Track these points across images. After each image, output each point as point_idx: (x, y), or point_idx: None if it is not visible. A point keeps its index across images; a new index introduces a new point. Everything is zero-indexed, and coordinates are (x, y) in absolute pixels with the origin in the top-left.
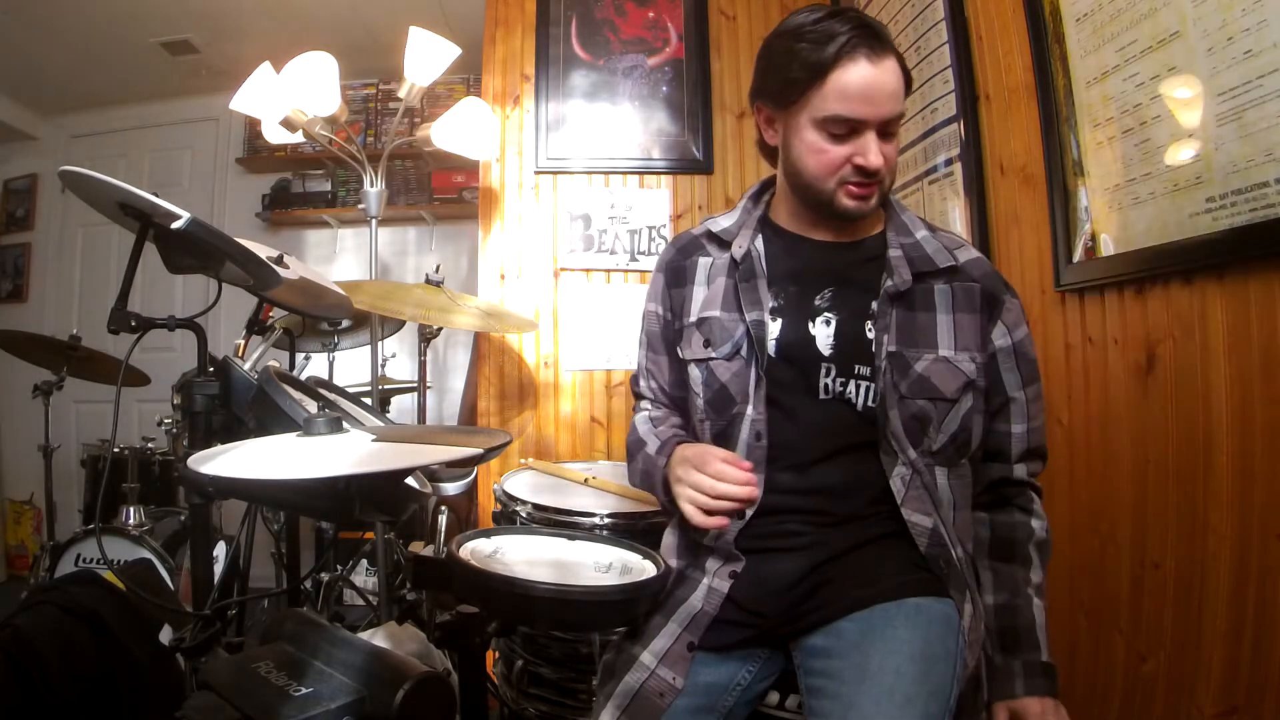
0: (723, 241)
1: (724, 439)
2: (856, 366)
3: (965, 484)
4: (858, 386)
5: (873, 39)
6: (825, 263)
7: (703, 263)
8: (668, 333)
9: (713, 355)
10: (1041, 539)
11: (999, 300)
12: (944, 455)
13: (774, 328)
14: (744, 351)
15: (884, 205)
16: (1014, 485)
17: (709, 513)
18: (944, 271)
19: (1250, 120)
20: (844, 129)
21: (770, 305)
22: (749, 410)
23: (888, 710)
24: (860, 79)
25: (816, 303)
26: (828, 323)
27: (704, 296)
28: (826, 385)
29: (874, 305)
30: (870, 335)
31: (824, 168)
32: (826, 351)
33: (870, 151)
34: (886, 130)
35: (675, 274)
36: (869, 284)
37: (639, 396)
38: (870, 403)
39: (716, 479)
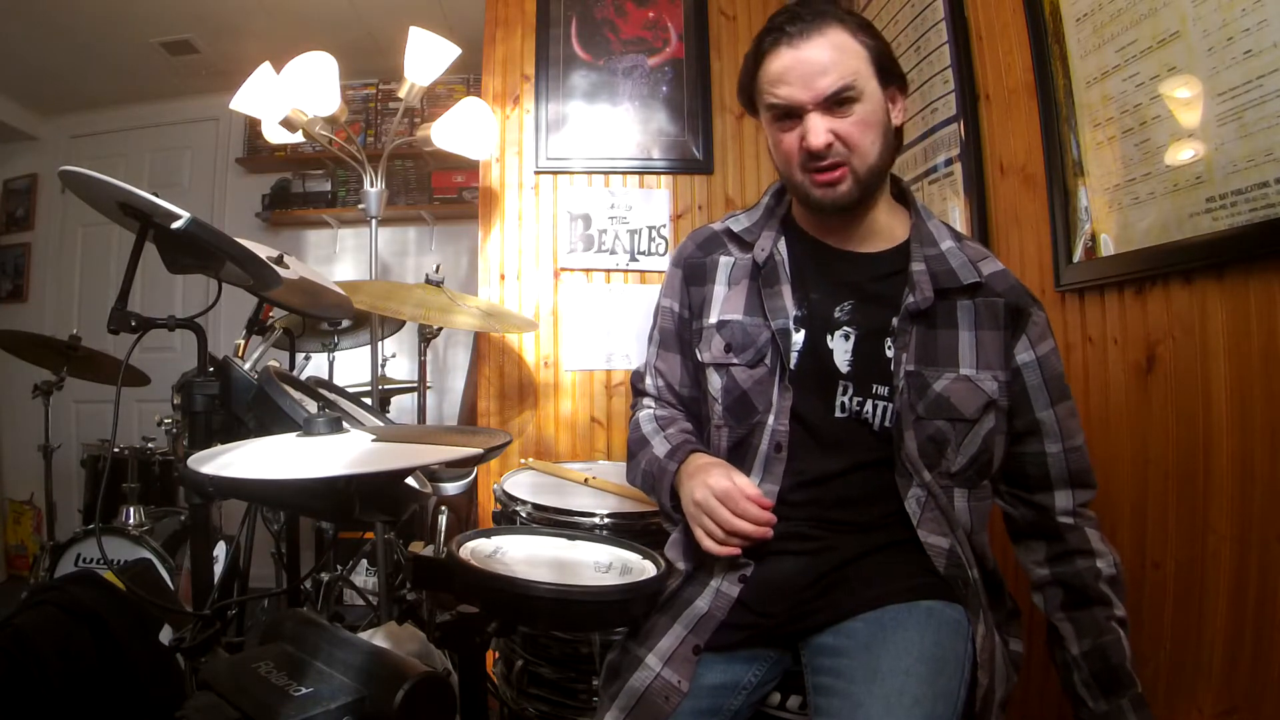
0: (744, 242)
1: (742, 447)
2: (874, 386)
3: (985, 506)
4: (875, 406)
5: (797, 23)
6: (846, 274)
7: (724, 262)
8: (684, 331)
9: (734, 361)
10: (1111, 575)
11: (1024, 314)
12: (964, 477)
13: (797, 338)
14: (768, 360)
15: (909, 208)
16: (1064, 526)
17: (721, 543)
18: (968, 288)
19: (1250, 120)
20: (783, 113)
21: (794, 314)
22: (770, 420)
23: (896, 711)
24: (781, 64)
25: (836, 315)
26: (846, 337)
27: (725, 297)
28: (843, 403)
29: (894, 322)
30: (889, 354)
31: (784, 158)
32: (844, 369)
33: (809, 132)
34: (836, 102)
35: (694, 271)
36: (890, 299)
37: (641, 393)
38: (886, 423)
39: (736, 514)
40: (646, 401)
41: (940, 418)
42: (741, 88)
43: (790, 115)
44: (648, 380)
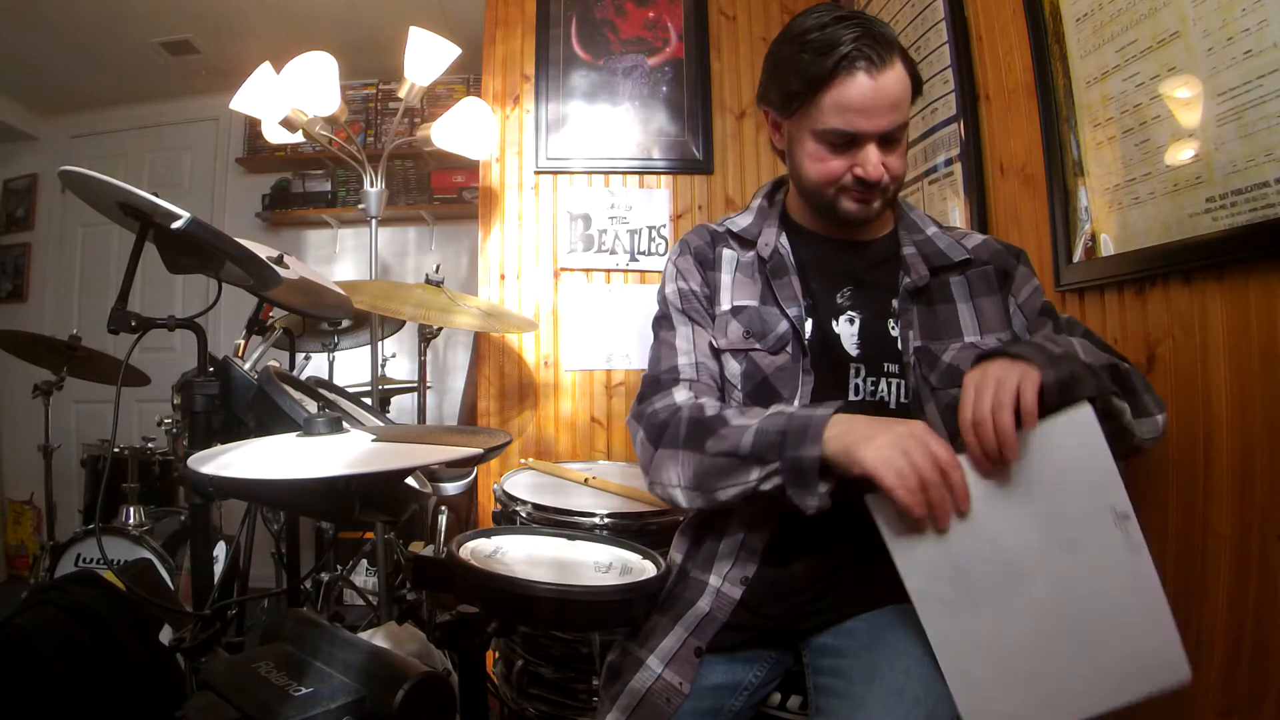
0: (745, 240)
1: None
2: (885, 365)
3: None
4: (889, 385)
5: (874, 49)
6: (843, 261)
7: (728, 255)
8: (709, 308)
9: (755, 346)
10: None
11: (1010, 271)
12: None
13: (806, 326)
14: (790, 347)
15: (892, 205)
16: None
17: (918, 493)
18: (958, 264)
19: (1250, 120)
20: (843, 139)
21: (803, 303)
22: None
23: (896, 710)
24: (857, 93)
25: (839, 300)
26: (851, 321)
27: (734, 285)
28: (857, 385)
29: (894, 303)
30: (895, 333)
31: (824, 176)
32: (853, 351)
33: (869, 163)
34: (891, 138)
35: (704, 257)
36: (886, 284)
37: (669, 384)
38: (903, 399)
39: (948, 487)
40: (679, 391)
41: (954, 385)
42: (781, 86)
43: (850, 141)
44: (680, 360)
